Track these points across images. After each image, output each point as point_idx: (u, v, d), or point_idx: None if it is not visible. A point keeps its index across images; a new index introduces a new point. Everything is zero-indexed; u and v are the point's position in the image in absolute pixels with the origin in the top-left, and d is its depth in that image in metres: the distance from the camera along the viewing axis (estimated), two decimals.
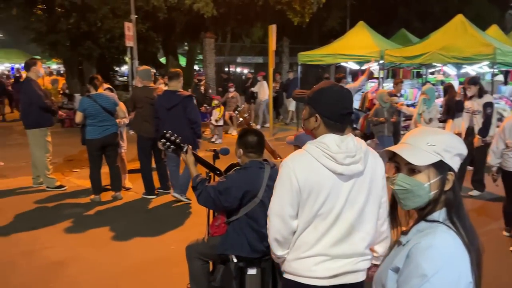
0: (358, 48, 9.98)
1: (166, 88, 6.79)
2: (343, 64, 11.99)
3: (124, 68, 22.29)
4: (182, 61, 20.39)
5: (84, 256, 4.36)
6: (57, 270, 4.06)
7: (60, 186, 6.55)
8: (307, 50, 11.68)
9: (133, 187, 6.59)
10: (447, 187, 1.33)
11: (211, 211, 3.24)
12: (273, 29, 11.24)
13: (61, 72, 23.98)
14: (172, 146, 3.03)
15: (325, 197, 1.87)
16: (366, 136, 8.27)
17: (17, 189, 6.59)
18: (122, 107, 6.11)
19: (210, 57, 14.46)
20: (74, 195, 6.28)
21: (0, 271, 4.03)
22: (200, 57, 18.88)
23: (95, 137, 5.84)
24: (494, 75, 9.61)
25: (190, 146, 3.04)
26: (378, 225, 2.01)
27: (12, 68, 27.83)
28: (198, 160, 3.10)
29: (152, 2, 12.20)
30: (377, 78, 11.17)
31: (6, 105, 15.32)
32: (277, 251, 2.00)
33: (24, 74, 8.18)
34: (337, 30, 17.76)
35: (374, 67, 10.12)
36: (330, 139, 1.89)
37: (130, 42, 12.10)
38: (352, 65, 11.96)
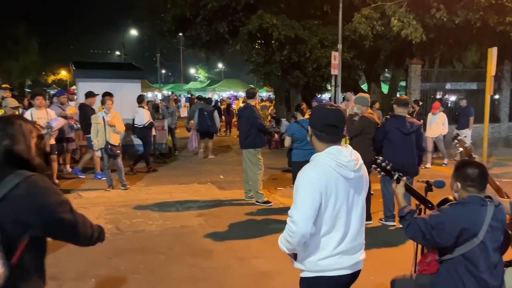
0: None
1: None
2: None
3: (325, 95, 23.25)
4: (384, 88, 20.05)
5: (289, 269, 4.64)
6: (264, 279, 4.44)
7: (267, 202, 7.20)
8: None
9: None
10: None
11: (419, 246, 3.06)
12: (493, 51, 10.08)
13: (271, 98, 26.52)
14: (382, 173, 3.02)
15: (342, 201, 2.26)
16: None
17: (232, 200, 7.53)
18: None
19: (415, 84, 13.82)
20: (278, 211, 6.79)
21: (218, 272, 4.63)
22: (403, 83, 18.24)
23: (300, 159, 6.24)
24: None
25: (403, 177, 2.95)
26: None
27: (232, 96, 32.17)
28: (410, 190, 2.99)
29: (359, 31, 12.46)
30: None
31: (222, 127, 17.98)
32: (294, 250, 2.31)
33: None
34: None
35: None
36: (336, 150, 2.28)
37: (335, 71, 12.61)
38: None
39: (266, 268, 4.68)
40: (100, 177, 8.83)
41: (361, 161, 2.38)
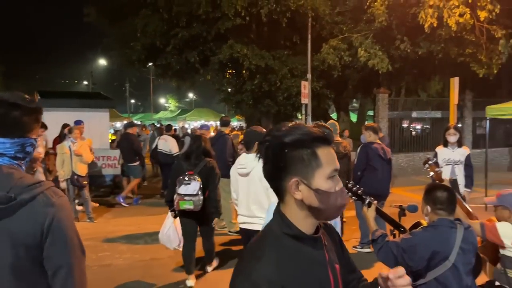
0: None
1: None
2: None
3: None
4: (353, 117, 20.52)
5: None
6: None
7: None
8: (494, 104, 10.50)
9: None
10: None
11: None
12: (455, 82, 10.54)
13: (242, 127, 26.62)
14: (353, 198, 3.02)
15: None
16: None
17: None
18: None
19: (383, 113, 14.20)
20: None
21: None
22: (371, 112, 18.73)
23: None
24: None
25: (375, 201, 2.96)
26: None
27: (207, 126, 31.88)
28: (381, 215, 2.99)
29: (327, 61, 12.81)
30: None
31: None
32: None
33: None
34: None
35: None
36: (241, 157, 4.22)
37: (305, 100, 12.83)
38: None
39: None
40: (121, 201, 9.21)
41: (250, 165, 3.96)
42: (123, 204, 9.19)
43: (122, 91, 45.38)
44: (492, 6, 10.62)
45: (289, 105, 14.84)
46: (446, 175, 5.65)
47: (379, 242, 2.71)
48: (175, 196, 4.64)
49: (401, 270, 1.27)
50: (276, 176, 1.27)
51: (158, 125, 27.42)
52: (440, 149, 6.06)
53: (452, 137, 5.97)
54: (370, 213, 2.89)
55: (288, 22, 13.01)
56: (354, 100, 23.96)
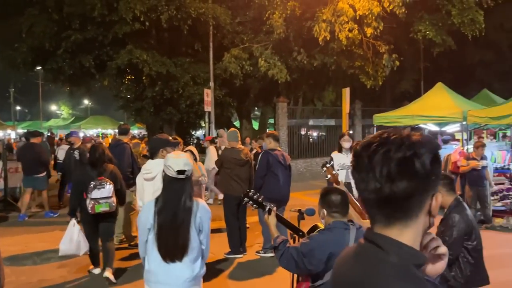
0: (438, 109, 9.65)
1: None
2: (421, 125, 11.60)
3: (199, 132, 23.44)
4: (255, 125, 21.01)
5: None
6: None
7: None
8: (380, 112, 11.53)
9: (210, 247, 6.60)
10: None
11: (295, 275, 3.10)
12: (346, 92, 11.34)
13: (144, 135, 25.69)
14: (254, 205, 3.05)
15: None
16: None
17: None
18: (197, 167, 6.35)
19: (282, 121, 14.76)
20: None
21: None
22: (272, 120, 19.36)
23: None
24: None
25: (274, 207, 3.01)
26: None
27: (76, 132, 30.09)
28: (281, 221, 3.05)
29: (229, 70, 12.95)
30: (459, 139, 10.62)
31: None
32: None
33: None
34: (410, 93, 17.48)
35: (455, 128, 9.59)
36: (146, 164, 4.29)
37: (208, 107, 12.81)
38: (431, 127, 11.53)
39: None
40: (52, 215, 8.94)
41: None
42: (53, 216, 8.88)
43: (6, 97, 41.01)
44: (377, 23, 11.67)
45: (192, 113, 14.68)
46: (341, 178, 5.84)
47: (280, 249, 2.74)
48: (88, 202, 4.92)
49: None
50: (419, 192, 1.03)
51: (49, 134, 25.18)
52: (335, 154, 6.41)
53: (347, 143, 6.36)
54: (271, 220, 2.94)
55: (189, 29, 12.89)
56: (256, 108, 24.57)
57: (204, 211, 2.91)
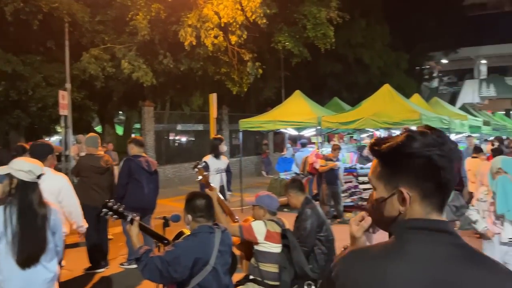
0: (296, 115, 10.37)
1: None
2: (282, 130, 12.36)
3: (55, 138, 21.33)
4: (119, 130, 19.97)
5: None
6: None
7: None
8: (245, 118, 11.97)
9: (66, 264, 5.99)
10: None
11: (160, 285, 2.98)
12: (213, 97, 11.48)
13: None
14: (114, 216, 2.86)
15: None
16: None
17: None
18: None
19: (149, 125, 14.30)
20: None
21: None
22: (138, 125, 18.64)
23: None
24: None
25: (136, 216, 2.87)
26: None
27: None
28: (144, 230, 2.94)
29: (89, 71, 12.05)
30: (315, 143, 11.59)
31: None
32: None
33: None
34: (272, 99, 18.56)
35: (311, 132, 10.43)
36: None
37: (64, 111, 11.70)
38: (291, 131, 12.36)
39: None
40: None
41: None
42: None
43: None
44: (241, 32, 12.09)
45: (45, 117, 13.24)
46: (217, 182, 6.16)
47: (143, 260, 2.64)
48: None
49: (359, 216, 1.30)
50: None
51: None
52: (210, 159, 6.43)
53: (225, 147, 6.64)
54: (133, 230, 2.82)
55: (40, 25, 11.59)
56: (121, 112, 23.40)
57: (56, 213, 2.81)
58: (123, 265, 5.99)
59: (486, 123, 14.50)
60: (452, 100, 32.10)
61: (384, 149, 1.13)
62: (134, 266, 5.86)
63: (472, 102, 30.79)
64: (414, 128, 1.21)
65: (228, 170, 6.59)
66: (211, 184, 3.73)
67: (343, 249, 1.34)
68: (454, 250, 1.05)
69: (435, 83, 38.20)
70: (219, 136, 7.21)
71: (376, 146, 1.16)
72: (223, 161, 6.51)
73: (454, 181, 1.12)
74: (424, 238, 1.06)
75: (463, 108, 17.94)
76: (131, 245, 5.93)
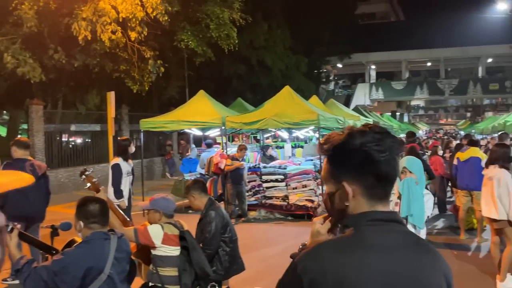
0: (200, 115, 10.27)
1: None
2: (186, 130, 12.16)
3: None
4: (2, 131, 18.01)
5: None
6: None
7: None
8: (147, 118, 11.53)
9: None
10: None
11: None
12: (111, 96, 10.87)
13: None
14: None
15: None
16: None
17: None
18: None
19: (38, 126, 13.05)
20: None
21: None
22: (25, 126, 16.96)
23: None
24: (318, 138, 10.89)
25: (17, 225, 2.58)
26: None
27: None
28: (27, 239, 2.65)
29: None
30: (220, 143, 11.59)
31: None
32: None
33: None
34: (176, 99, 18.18)
35: (216, 132, 10.41)
36: None
37: None
38: (195, 131, 12.21)
39: None
40: None
41: None
42: None
43: None
44: (141, 28, 11.60)
45: None
46: (127, 186, 6.11)
47: (25, 271, 2.40)
48: None
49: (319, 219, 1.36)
50: None
51: None
52: (120, 162, 6.18)
53: (133, 148, 6.50)
54: (12, 240, 2.54)
55: None
56: (4, 112, 21.09)
57: None
58: (6, 280, 5.38)
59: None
60: (347, 102, 34.55)
61: (328, 147, 1.23)
62: (17, 282, 5.30)
63: (363, 104, 33.46)
64: (358, 125, 1.30)
65: (132, 174, 6.45)
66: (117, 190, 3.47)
67: (300, 246, 1.37)
68: (406, 238, 1.20)
69: (331, 86, 40.77)
70: (126, 137, 6.98)
71: (324, 145, 1.25)
72: (130, 164, 6.38)
73: (395, 174, 1.22)
74: (381, 228, 1.16)
75: (356, 109, 19.39)
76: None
